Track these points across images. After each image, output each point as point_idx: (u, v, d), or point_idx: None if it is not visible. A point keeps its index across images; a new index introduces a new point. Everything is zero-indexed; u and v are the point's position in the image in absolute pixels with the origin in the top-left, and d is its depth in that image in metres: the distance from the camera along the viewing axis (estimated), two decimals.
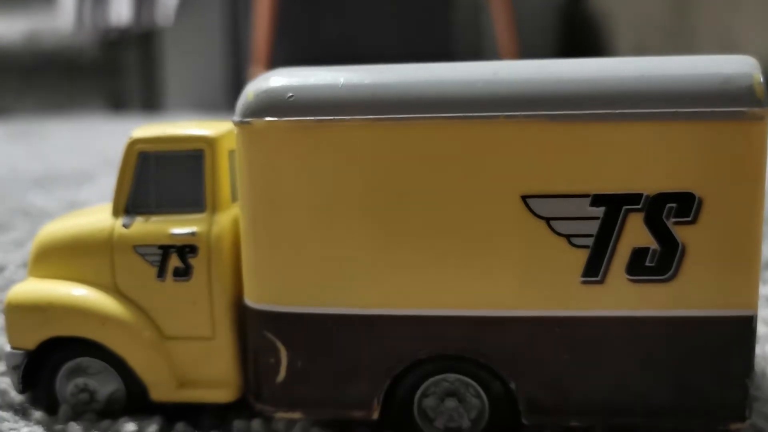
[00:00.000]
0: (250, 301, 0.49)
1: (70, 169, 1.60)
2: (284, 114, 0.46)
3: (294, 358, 0.49)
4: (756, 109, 0.43)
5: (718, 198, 0.44)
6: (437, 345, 0.48)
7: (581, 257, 0.45)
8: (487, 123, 0.45)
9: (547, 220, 0.45)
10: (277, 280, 0.48)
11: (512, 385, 0.47)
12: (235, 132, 0.48)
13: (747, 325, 0.45)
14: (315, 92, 0.46)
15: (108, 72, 3.42)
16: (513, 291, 0.46)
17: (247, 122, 0.47)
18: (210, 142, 0.51)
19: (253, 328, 0.50)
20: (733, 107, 0.43)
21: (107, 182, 1.44)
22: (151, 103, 3.40)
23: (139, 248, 0.51)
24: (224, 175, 0.51)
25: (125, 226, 0.51)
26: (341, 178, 0.46)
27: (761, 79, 0.43)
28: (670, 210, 0.44)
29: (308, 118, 0.46)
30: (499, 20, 2.68)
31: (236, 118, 0.47)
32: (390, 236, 0.46)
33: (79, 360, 0.53)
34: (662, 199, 0.44)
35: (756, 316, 0.45)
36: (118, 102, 3.40)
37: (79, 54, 3.37)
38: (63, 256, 0.53)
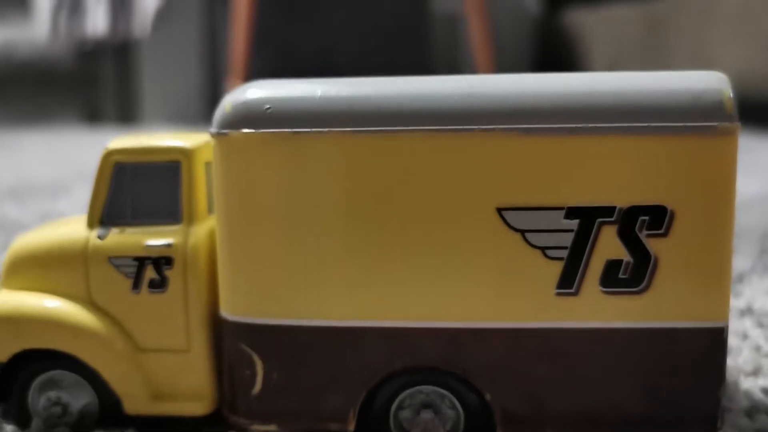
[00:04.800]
0: (226, 313, 0.49)
1: (44, 181, 1.58)
2: (261, 126, 0.46)
3: (270, 370, 0.49)
4: (726, 124, 0.44)
5: (689, 211, 0.44)
6: (413, 357, 0.48)
7: (556, 269, 0.46)
8: (462, 136, 0.45)
9: (522, 232, 0.46)
10: (253, 292, 0.48)
11: (488, 397, 0.48)
12: (212, 143, 0.48)
13: (718, 337, 0.46)
14: (292, 104, 0.46)
15: (83, 83, 3.39)
16: (488, 303, 0.46)
17: (225, 134, 0.47)
18: (187, 153, 0.51)
19: (228, 341, 0.49)
20: (704, 122, 0.44)
21: (82, 194, 1.43)
22: (126, 114, 3.38)
23: (114, 260, 0.51)
24: (201, 186, 0.51)
25: (100, 237, 0.51)
26: (318, 190, 0.46)
27: (731, 95, 0.44)
28: (642, 223, 0.45)
29: (285, 130, 0.46)
30: (476, 33, 2.70)
31: (213, 129, 0.47)
32: (366, 248, 0.47)
33: (51, 373, 0.52)
34: (635, 211, 0.45)
35: (727, 327, 0.45)
36: (93, 113, 3.38)
37: (55, 65, 3.34)
38: (37, 268, 0.52)
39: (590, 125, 0.44)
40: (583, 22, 3.17)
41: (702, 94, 0.44)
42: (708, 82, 0.45)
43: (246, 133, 0.46)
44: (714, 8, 2.43)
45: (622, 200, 0.45)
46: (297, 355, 0.48)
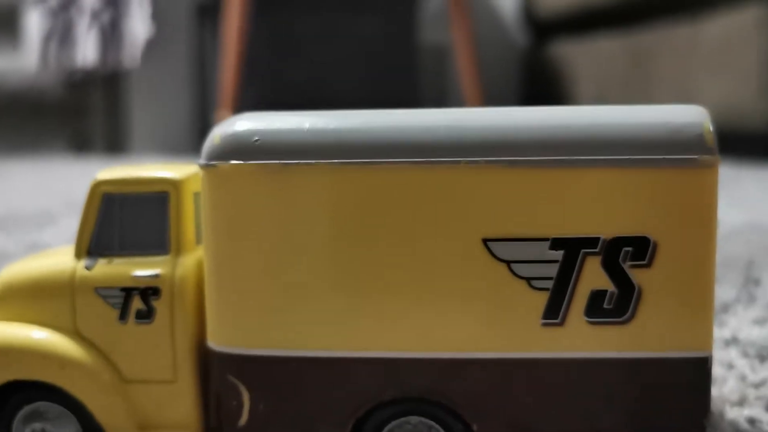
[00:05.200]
0: (213, 343, 0.49)
1: (31, 211, 1.58)
2: (250, 157, 0.47)
3: (257, 401, 0.49)
4: (706, 157, 0.45)
5: (672, 242, 0.45)
6: (400, 387, 0.48)
7: (541, 300, 0.46)
8: (449, 168, 0.46)
9: (508, 263, 0.46)
10: (240, 322, 0.48)
11: (474, 427, 0.48)
12: (201, 174, 0.48)
13: (702, 366, 0.46)
14: (280, 136, 0.47)
15: (72, 113, 3.40)
16: (475, 333, 0.47)
17: (213, 165, 0.47)
18: (175, 184, 0.51)
19: (215, 371, 0.49)
20: (685, 155, 0.44)
21: (69, 224, 1.42)
22: (115, 145, 3.39)
23: (101, 290, 0.51)
24: (189, 217, 0.51)
25: (87, 268, 0.51)
26: (305, 221, 0.47)
27: (711, 128, 0.45)
28: (626, 253, 0.45)
29: (273, 161, 0.47)
30: (464, 65, 2.73)
31: (202, 161, 0.48)
32: (354, 279, 0.47)
33: (37, 404, 0.52)
34: (619, 242, 0.45)
35: (711, 357, 0.46)
36: (82, 143, 3.38)
37: (44, 94, 3.35)
38: (24, 298, 0.52)
39: (574, 158, 0.45)
40: (568, 54, 3.22)
41: (683, 127, 0.45)
42: (689, 115, 0.46)
43: (234, 164, 0.47)
44: (696, 41, 2.46)
45: (605, 231, 0.45)
46: (284, 386, 0.48)
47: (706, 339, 0.46)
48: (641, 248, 0.45)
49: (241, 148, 0.47)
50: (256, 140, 0.47)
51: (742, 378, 0.66)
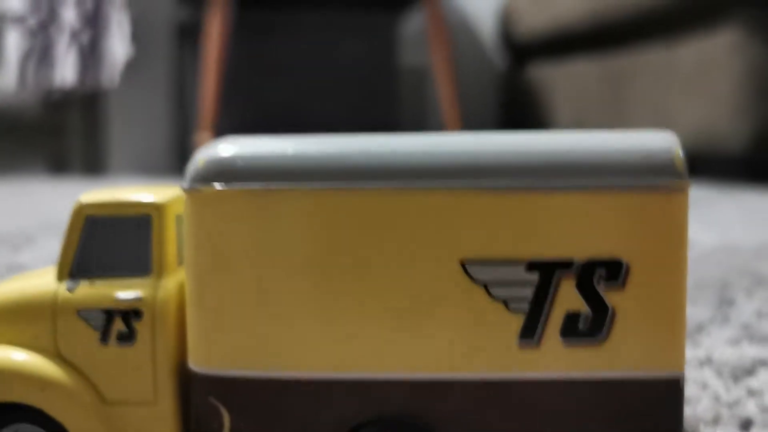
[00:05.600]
0: (195, 365, 0.50)
1: (8, 231, 1.57)
2: (233, 181, 0.48)
3: (237, 422, 0.49)
4: (677, 181, 0.46)
5: (644, 264, 0.46)
6: (380, 408, 0.48)
7: (518, 321, 0.47)
8: (427, 192, 0.47)
9: (485, 285, 0.47)
10: (221, 344, 0.49)
11: None
12: (184, 197, 0.49)
13: (675, 386, 0.47)
14: (263, 160, 0.48)
15: (50, 133, 3.38)
16: (453, 354, 0.48)
17: (197, 189, 0.48)
18: (158, 207, 0.51)
19: (196, 393, 0.50)
20: (656, 180, 0.46)
21: (47, 245, 1.42)
22: (93, 165, 3.37)
23: (83, 312, 0.51)
24: (171, 239, 0.52)
25: (69, 289, 0.52)
26: (287, 243, 0.48)
27: (681, 154, 0.47)
28: (600, 275, 0.46)
29: (256, 185, 0.47)
30: (443, 87, 2.75)
31: (186, 184, 0.49)
32: (334, 301, 0.48)
33: (16, 426, 0.52)
34: (592, 265, 0.46)
35: (683, 377, 0.47)
36: (59, 164, 3.36)
37: (22, 114, 3.33)
38: (4, 320, 0.52)
39: (549, 183, 0.46)
40: (546, 76, 3.25)
41: (654, 153, 0.46)
42: (659, 141, 0.47)
43: (218, 188, 0.48)
44: (672, 65, 2.51)
45: (580, 254, 0.46)
46: (264, 407, 0.49)
47: (678, 359, 0.47)
48: (614, 270, 0.46)
49: (225, 172, 0.48)
50: (240, 164, 0.48)
51: (716, 398, 0.67)
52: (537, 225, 0.46)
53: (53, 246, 1.39)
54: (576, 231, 0.46)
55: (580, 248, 0.46)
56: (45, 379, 0.51)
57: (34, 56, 3.05)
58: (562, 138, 0.48)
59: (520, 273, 0.47)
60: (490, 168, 0.47)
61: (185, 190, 0.49)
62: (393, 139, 0.49)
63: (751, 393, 0.67)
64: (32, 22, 3.05)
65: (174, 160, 3.40)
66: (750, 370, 0.73)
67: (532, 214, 0.46)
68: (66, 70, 3.04)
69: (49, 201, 2.20)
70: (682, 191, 0.46)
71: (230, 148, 0.49)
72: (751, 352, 0.78)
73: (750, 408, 0.64)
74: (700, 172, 2.66)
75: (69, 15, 3.03)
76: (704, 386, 0.69)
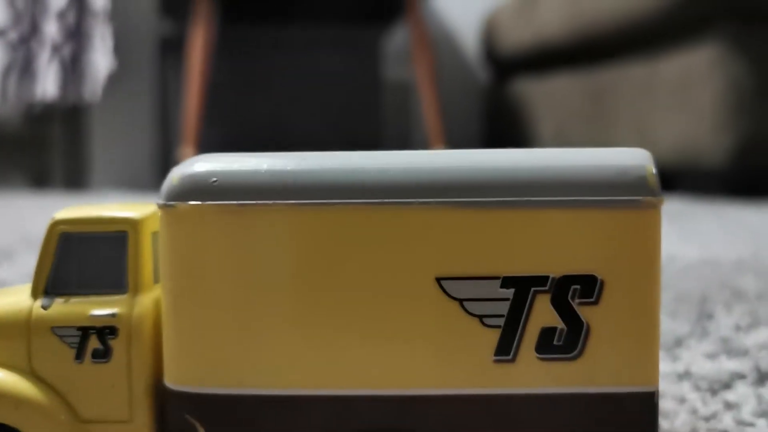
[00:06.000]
0: (171, 382, 0.49)
1: None
2: (208, 198, 0.48)
3: None
4: (650, 198, 0.46)
5: (618, 280, 0.47)
6: (358, 424, 0.48)
7: (493, 337, 0.47)
8: (403, 209, 0.47)
9: (461, 301, 0.47)
10: (197, 361, 0.49)
11: None
12: (159, 214, 0.49)
13: (649, 401, 0.47)
14: (238, 177, 0.48)
15: (31, 147, 3.36)
16: (430, 369, 0.48)
17: (172, 205, 0.48)
18: (133, 224, 0.51)
19: (172, 410, 0.49)
20: (629, 196, 0.46)
21: (26, 261, 1.41)
22: (74, 180, 3.36)
23: (58, 329, 0.51)
24: (147, 256, 0.52)
25: (44, 307, 0.51)
26: (263, 261, 0.47)
27: (654, 171, 0.47)
28: (574, 291, 0.47)
29: (231, 202, 0.47)
30: (426, 101, 2.76)
31: (161, 201, 0.49)
32: (311, 317, 0.48)
33: None
34: (567, 281, 0.47)
35: (657, 391, 0.47)
36: (40, 178, 3.34)
37: (2, 128, 3.31)
38: None
39: (523, 199, 0.46)
40: (528, 91, 3.28)
41: (627, 170, 0.47)
42: (633, 159, 0.48)
43: (193, 204, 0.48)
44: (653, 80, 2.53)
45: (555, 270, 0.47)
46: (242, 425, 0.49)
47: (652, 373, 0.47)
48: (589, 286, 0.47)
49: (200, 189, 0.48)
50: (215, 181, 0.48)
51: (694, 411, 0.67)
52: (512, 241, 0.47)
53: (32, 261, 1.38)
54: (551, 247, 0.46)
55: (555, 264, 0.47)
56: (19, 397, 0.50)
57: (15, 70, 3.03)
58: (537, 155, 0.48)
59: (495, 289, 0.47)
60: (465, 185, 0.47)
61: (160, 207, 0.48)
62: (369, 156, 0.49)
63: (728, 406, 0.68)
64: (13, 35, 3.03)
65: (156, 175, 3.39)
66: (727, 384, 0.74)
67: (507, 231, 0.47)
68: (47, 84, 3.03)
69: (30, 216, 2.19)
70: (655, 208, 0.46)
71: (205, 165, 0.49)
72: (728, 365, 0.79)
73: (727, 421, 0.65)
74: (681, 186, 2.68)
75: (50, 29, 3.02)
76: (682, 400, 0.70)
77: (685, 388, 0.73)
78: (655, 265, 0.47)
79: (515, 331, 0.47)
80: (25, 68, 3.05)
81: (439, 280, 0.47)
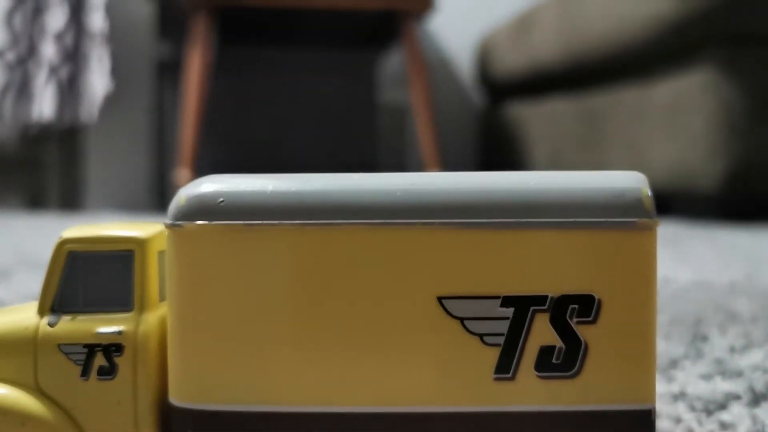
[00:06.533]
0: (175, 399, 0.50)
1: None
2: (215, 218, 0.49)
3: None
4: (645, 220, 0.48)
5: (615, 300, 0.48)
6: None
7: (493, 355, 0.48)
8: (405, 229, 0.48)
9: (462, 320, 0.48)
10: (202, 378, 0.49)
11: None
12: (166, 234, 0.50)
13: (646, 419, 0.48)
14: (244, 198, 0.49)
15: (27, 168, 3.37)
16: (430, 387, 0.48)
17: (179, 225, 0.49)
18: (140, 243, 0.52)
19: (177, 427, 0.50)
20: (625, 218, 0.47)
21: (23, 280, 1.41)
22: (70, 201, 3.36)
23: (64, 347, 0.51)
24: (153, 275, 0.53)
25: (51, 324, 0.52)
26: (268, 280, 0.48)
27: (649, 193, 0.48)
28: (573, 311, 0.48)
29: (237, 222, 0.48)
30: (422, 124, 2.78)
31: (168, 220, 0.50)
32: (313, 336, 0.49)
33: None
34: (565, 300, 0.48)
35: (654, 409, 0.48)
36: (36, 199, 3.34)
37: None
38: None
39: (523, 220, 0.47)
40: (523, 115, 3.30)
41: (623, 192, 0.48)
42: (629, 181, 0.49)
43: (200, 224, 0.49)
44: (646, 105, 2.55)
45: (553, 290, 0.48)
46: None
47: (649, 392, 0.48)
48: (587, 306, 0.48)
49: (207, 209, 0.49)
50: (221, 201, 0.49)
51: (689, 431, 0.68)
52: (511, 261, 0.48)
53: (29, 281, 1.39)
54: (549, 267, 0.48)
55: (554, 284, 0.48)
56: (25, 414, 0.51)
57: (11, 90, 3.05)
58: (535, 177, 0.49)
59: (495, 308, 0.48)
60: (466, 206, 0.48)
61: (167, 226, 0.49)
62: (372, 178, 0.50)
63: (724, 426, 0.69)
64: (11, 56, 3.05)
65: (152, 196, 3.39)
66: (722, 404, 0.74)
67: (507, 251, 0.48)
68: (44, 105, 3.04)
69: (26, 236, 2.19)
70: (651, 230, 0.48)
71: (212, 185, 0.50)
72: (723, 386, 0.80)
73: None
74: (674, 209, 2.69)
75: (48, 50, 3.04)
76: (677, 420, 0.71)
77: (681, 408, 0.74)
78: (651, 286, 0.48)
79: (515, 349, 0.48)
80: (22, 89, 3.06)
81: (440, 299, 0.48)
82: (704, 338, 1.00)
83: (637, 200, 0.48)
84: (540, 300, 0.48)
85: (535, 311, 0.48)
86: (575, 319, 0.48)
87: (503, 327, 0.48)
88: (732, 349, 0.94)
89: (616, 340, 0.48)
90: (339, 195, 0.49)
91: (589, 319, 0.48)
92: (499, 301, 0.48)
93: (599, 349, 0.48)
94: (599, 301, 0.48)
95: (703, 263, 1.66)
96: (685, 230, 2.23)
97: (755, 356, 0.91)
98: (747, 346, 0.96)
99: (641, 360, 0.48)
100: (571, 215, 0.47)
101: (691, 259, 1.71)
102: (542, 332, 0.48)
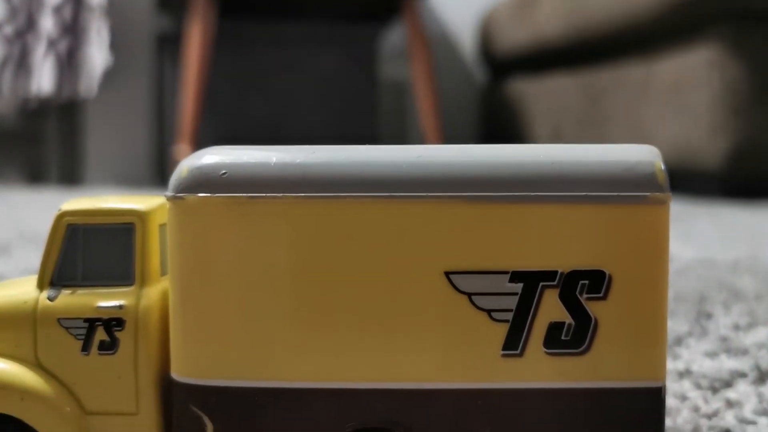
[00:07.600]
0: (177, 375, 0.49)
1: None
2: (217, 190, 0.47)
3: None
4: (658, 194, 0.46)
5: (626, 275, 0.47)
6: (362, 417, 0.48)
7: (501, 331, 0.47)
8: (411, 203, 0.47)
9: (469, 295, 0.47)
10: (204, 353, 0.48)
11: None
12: (167, 206, 0.49)
13: (656, 396, 0.47)
14: (247, 170, 0.48)
15: (27, 142, 3.35)
16: (436, 364, 0.48)
17: (180, 197, 0.48)
18: (141, 216, 0.51)
19: (178, 403, 0.49)
20: (638, 192, 0.46)
21: (22, 255, 1.40)
22: (70, 175, 3.34)
23: (64, 321, 0.51)
24: (154, 248, 0.52)
25: (50, 298, 0.51)
26: (270, 253, 0.47)
27: (662, 167, 0.47)
28: (582, 286, 0.47)
29: (240, 194, 0.47)
30: (423, 101, 2.76)
31: (169, 192, 0.48)
32: (317, 310, 0.48)
33: None
34: (575, 276, 0.47)
35: (664, 387, 0.47)
36: (36, 173, 3.32)
37: None
38: None
39: (533, 194, 0.46)
40: (525, 91, 3.28)
41: (635, 165, 0.47)
42: (641, 154, 0.48)
43: (202, 197, 0.47)
44: (649, 82, 2.54)
45: (563, 265, 0.47)
46: (247, 417, 0.49)
47: (659, 369, 0.47)
48: (597, 281, 0.47)
49: (209, 181, 0.48)
50: (224, 173, 0.48)
51: (696, 409, 0.67)
52: (521, 236, 0.47)
53: (29, 256, 1.38)
54: (559, 242, 0.47)
55: (564, 259, 0.47)
56: (24, 389, 0.50)
57: (10, 64, 3.02)
58: (546, 150, 0.48)
59: (504, 283, 0.47)
60: (474, 179, 0.47)
61: (169, 199, 0.48)
62: (377, 150, 0.49)
63: (730, 404, 0.68)
64: (9, 29, 3.02)
65: (152, 171, 3.38)
66: (728, 382, 0.74)
67: (516, 225, 0.47)
68: (43, 79, 3.02)
69: (25, 211, 2.18)
70: (664, 204, 0.47)
71: (215, 157, 0.49)
72: (728, 364, 0.79)
73: (729, 419, 0.65)
74: (677, 187, 2.68)
75: (47, 23, 3.01)
76: (683, 398, 0.70)
77: (686, 386, 0.73)
78: (662, 261, 0.47)
79: (523, 325, 0.47)
80: (21, 63, 3.04)
81: (447, 274, 0.47)
82: (708, 316, 1.00)
83: (650, 174, 0.47)
84: (549, 275, 0.47)
85: (544, 287, 0.47)
86: (585, 295, 0.47)
87: (512, 303, 0.47)
88: (736, 327, 0.94)
89: (627, 316, 0.47)
90: (344, 167, 0.48)
91: (600, 295, 0.47)
92: (507, 276, 0.47)
93: (609, 325, 0.47)
94: (610, 277, 0.47)
95: (706, 241, 1.66)
96: (689, 208, 2.22)
97: (760, 334, 0.91)
98: (751, 324, 0.95)
99: (652, 337, 0.47)
100: (581, 189, 0.46)
101: (694, 237, 1.70)
102: (551, 308, 0.47)
